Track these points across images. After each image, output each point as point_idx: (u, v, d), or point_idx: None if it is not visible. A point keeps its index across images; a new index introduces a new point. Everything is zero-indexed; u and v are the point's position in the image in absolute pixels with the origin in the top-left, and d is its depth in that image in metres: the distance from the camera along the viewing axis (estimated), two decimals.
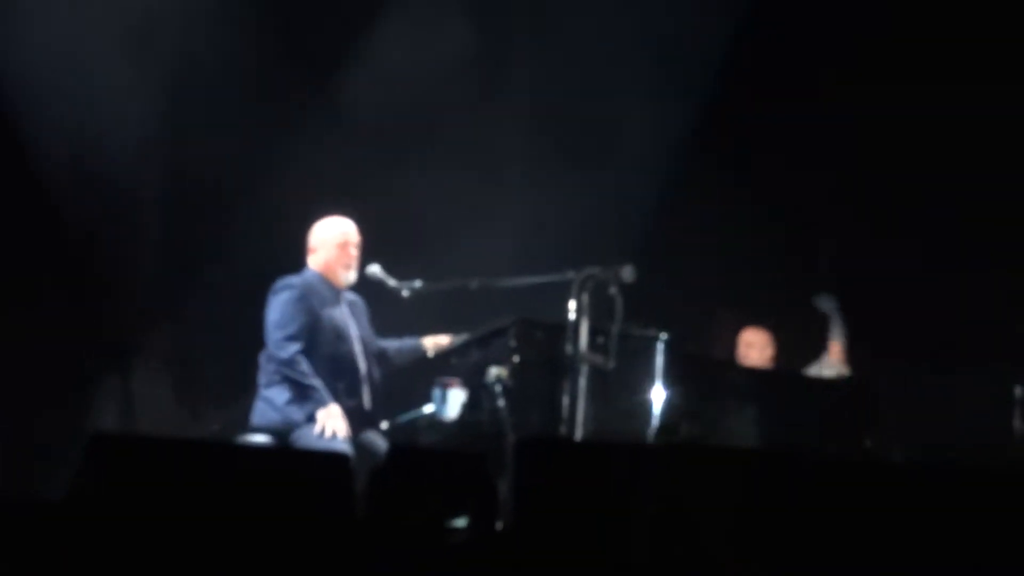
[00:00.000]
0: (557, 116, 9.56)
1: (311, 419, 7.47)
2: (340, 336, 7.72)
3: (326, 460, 5.03)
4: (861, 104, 9.39)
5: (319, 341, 7.64)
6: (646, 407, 7.36)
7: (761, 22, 9.50)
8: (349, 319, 7.80)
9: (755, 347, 8.91)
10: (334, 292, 7.80)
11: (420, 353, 7.87)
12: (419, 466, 4.89)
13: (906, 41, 9.33)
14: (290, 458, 5.20)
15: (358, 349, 7.76)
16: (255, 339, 7.85)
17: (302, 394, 7.50)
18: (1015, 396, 8.55)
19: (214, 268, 9.42)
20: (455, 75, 9.54)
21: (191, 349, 9.50)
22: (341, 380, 7.65)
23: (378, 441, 7.58)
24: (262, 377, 7.68)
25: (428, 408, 7.44)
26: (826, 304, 9.16)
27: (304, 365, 7.52)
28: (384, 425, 7.71)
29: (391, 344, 7.96)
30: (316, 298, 7.71)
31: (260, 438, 7.53)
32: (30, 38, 8.98)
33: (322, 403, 7.47)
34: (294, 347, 7.56)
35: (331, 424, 7.43)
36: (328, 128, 9.47)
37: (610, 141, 9.52)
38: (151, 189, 9.42)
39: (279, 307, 7.65)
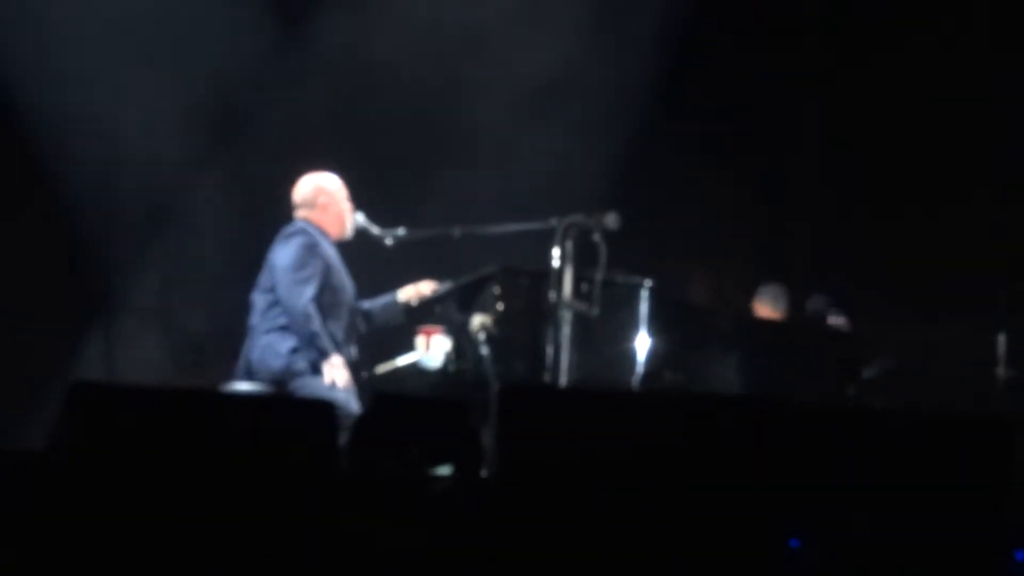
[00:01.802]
0: (539, 70, 9.51)
1: (316, 369, 7.45)
2: (343, 286, 7.72)
3: (311, 409, 5.01)
4: (843, 53, 9.38)
5: (328, 288, 7.62)
6: (630, 355, 7.36)
7: None
8: (344, 272, 7.80)
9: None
10: (333, 245, 7.79)
11: (399, 314, 7.85)
12: (403, 415, 4.88)
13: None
14: (274, 406, 5.17)
15: (352, 303, 7.76)
16: (239, 290, 7.83)
17: (308, 342, 7.47)
18: (998, 345, 8.57)
19: (196, 219, 9.40)
20: (436, 37, 9.50)
21: (174, 301, 9.48)
22: (341, 330, 7.64)
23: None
24: (261, 320, 7.63)
25: (412, 356, 7.44)
26: (818, 304, 9.11)
27: (314, 313, 7.49)
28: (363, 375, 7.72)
29: (371, 304, 7.93)
30: (324, 246, 7.70)
31: (247, 386, 7.51)
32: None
33: (327, 353, 7.45)
34: (309, 291, 7.52)
35: (337, 375, 7.41)
36: (308, 78, 9.44)
37: (589, 89, 9.49)
38: (132, 143, 9.39)
39: (293, 250, 7.61)
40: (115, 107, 9.31)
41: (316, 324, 7.47)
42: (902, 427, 4.84)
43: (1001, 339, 8.54)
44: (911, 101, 9.34)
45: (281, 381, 7.50)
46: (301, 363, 7.50)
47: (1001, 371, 8.53)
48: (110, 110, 9.29)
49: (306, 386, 7.45)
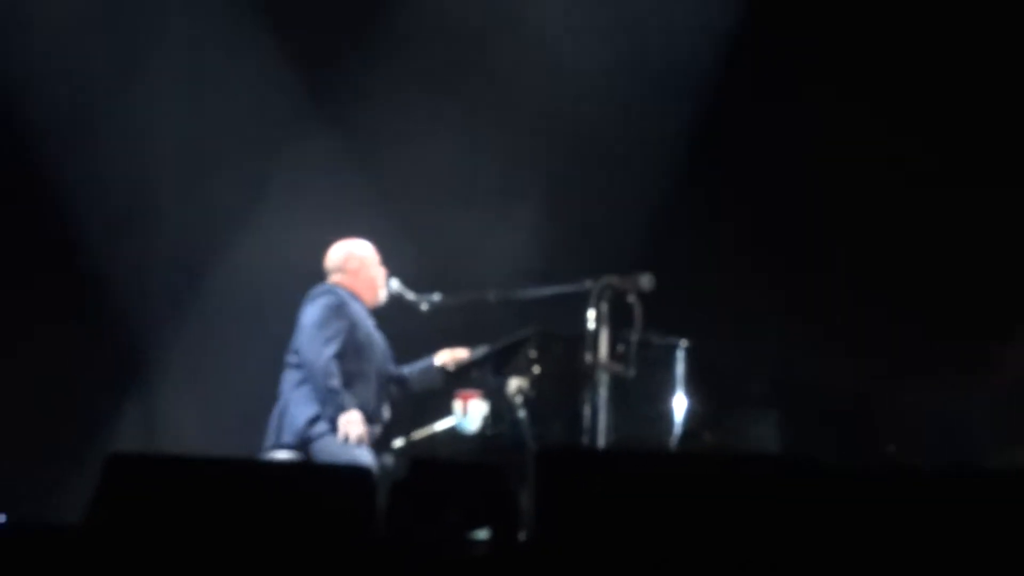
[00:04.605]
0: (567, 129, 9.51)
1: (333, 427, 7.46)
2: (373, 349, 7.72)
3: (348, 474, 5.01)
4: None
5: (354, 349, 7.63)
6: (668, 415, 7.34)
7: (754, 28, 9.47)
8: (376, 336, 7.80)
9: None
10: (365, 309, 7.81)
11: (436, 379, 7.84)
12: (440, 479, 4.87)
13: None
14: (311, 473, 5.17)
15: (384, 366, 7.76)
16: (276, 353, 7.85)
17: (326, 398, 7.47)
18: None
19: (234, 287, 9.42)
20: (465, 89, 9.53)
21: (214, 366, 9.49)
22: (371, 393, 7.65)
23: (387, 459, 7.58)
24: (290, 386, 7.67)
25: (449, 421, 7.43)
26: None
27: (335, 370, 7.50)
28: (399, 442, 7.71)
29: (409, 369, 7.93)
30: (353, 308, 7.71)
31: (285, 454, 7.52)
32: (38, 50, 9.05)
33: (343, 408, 7.45)
34: (331, 349, 7.53)
35: (352, 429, 7.41)
36: (337, 144, 9.48)
37: (618, 151, 9.48)
38: (165, 208, 9.44)
39: (319, 310, 7.64)
40: (149, 171, 9.37)
41: (335, 381, 7.48)
42: (944, 485, 4.80)
43: None
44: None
45: (302, 445, 7.51)
46: (321, 427, 7.51)
47: None
48: (143, 173, 9.35)
49: (325, 449, 7.46)
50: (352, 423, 7.43)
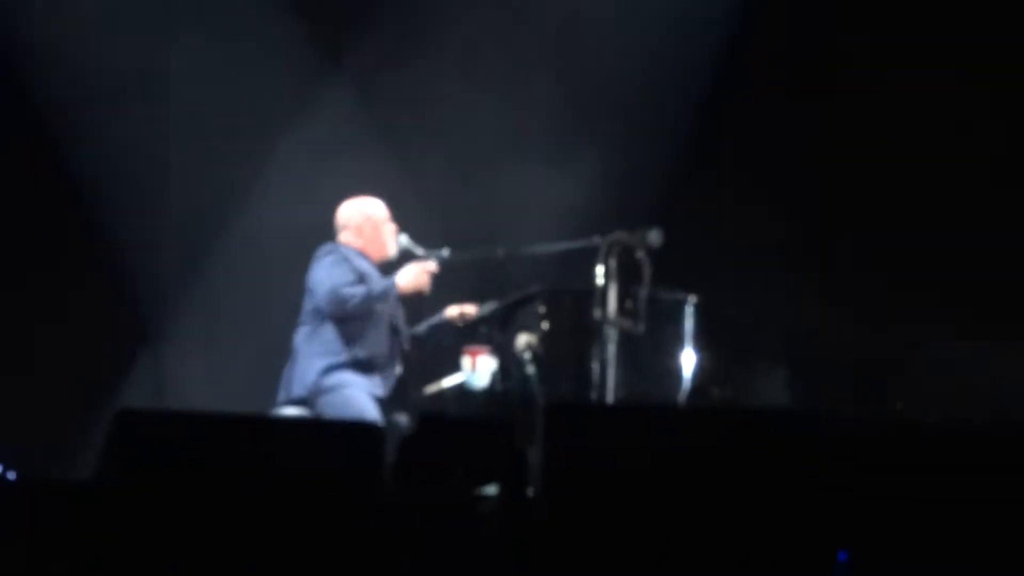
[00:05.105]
0: (579, 86, 9.49)
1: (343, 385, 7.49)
2: (383, 303, 7.72)
3: (356, 430, 5.01)
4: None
5: None
6: (676, 371, 7.34)
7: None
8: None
9: None
10: (373, 266, 7.82)
11: (447, 335, 7.85)
12: (448, 435, 4.88)
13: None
14: (319, 429, 5.18)
15: (395, 320, 7.77)
16: (287, 312, 7.86)
17: (366, 302, 7.53)
18: None
19: (241, 247, 9.43)
20: (480, 50, 9.50)
21: (223, 325, 9.50)
22: (383, 345, 7.66)
23: (401, 418, 7.59)
24: (299, 337, 7.69)
25: (458, 377, 7.43)
26: None
27: (352, 291, 7.54)
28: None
29: (420, 328, 7.94)
30: (358, 264, 7.72)
31: (293, 410, 7.53)
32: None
33: (389, 286, 7.57)
34: (344, 279, 7.57)
35: (410, 275, 7.57)
36: (347, 102, 9.47)
37: (631, 106, 9.46)
38: (176, 169, 9.44)
39: (328, 265, 7.67)
40: (158, 140, 9.38)
41: (357, 289, 7.52)
42: (952, 439, 4.79)
43: None
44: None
45: (312, 397, 7.52)
46: (331, 379, 7.53)
47: None
48: (153, 143, 9.35)
49: (331, 403, 7.48)
50: (407, 273, 7.55)
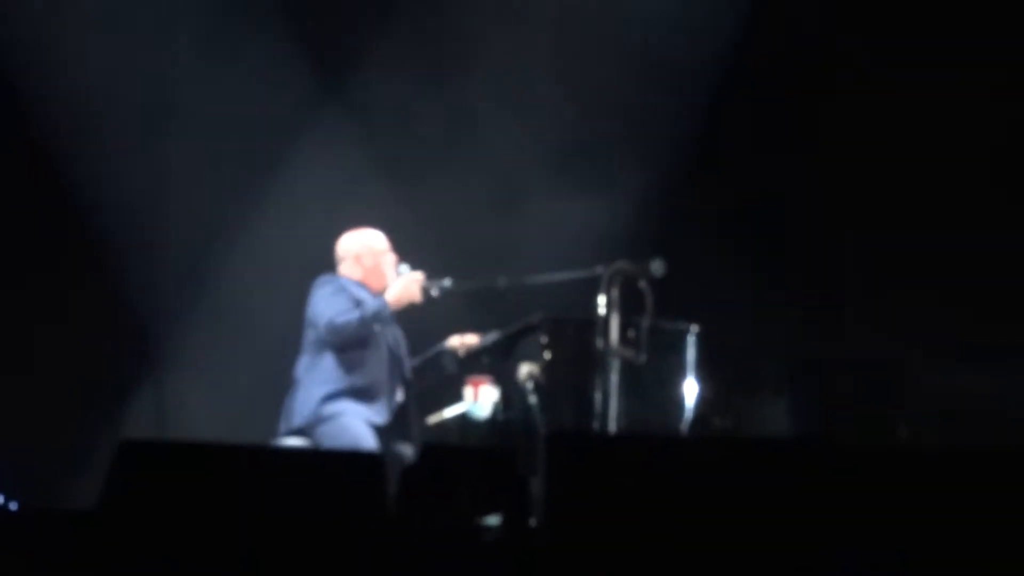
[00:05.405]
0: (580, 117, 9.50)
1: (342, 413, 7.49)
2: (383, 331, 7.71)
3: (358, 460, 5.01)
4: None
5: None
6: (678, 401, 7.34)
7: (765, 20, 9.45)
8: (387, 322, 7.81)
9: None
10: (373, 295, 7.82)
11: (448, 365, 7.85)
12: (451, 464, 4.87)
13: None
14: (322, 459, 5.17)
15: (396, 350, 7.76)
16: (287, 341, 7.87)
17: (362, 324, 7.53)
18: None
19: (245, 274, 9.44)
20: (482, 80, 9.53)
21: (225, 354, 9.50)
22: (380, 371, 7.66)
23: (405, 448, 7.59)
24: (300, 366, 7.69)
25: (460, 407, 7.43)
26: None
27: (344, 317, 7.55)
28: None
29: (421, 358, 7.93)
30: (357, 294, 7.73)
31: (296, 441, 7.53)
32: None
33: (381, 305, 7.57)
34: (341, 306, 7.58)
35: (402, 284, 7.59)
36: (348, 130, 9.49)
37: (629, 137, 9.48)
38: (177, 198, 9.45)
39: (326, 296, 7.68)
40: (159, 169, 9.39)
41: (352, 314, 7.53)
42: (956, 465, 4.79)
43: None
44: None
45: (309, 428, 7.53)
46: (331, 407, 7.53)
47: None
48: (154, 171, 9.37)
49: (327, 433, 7.48)
50: (395, 287, 7.59)
